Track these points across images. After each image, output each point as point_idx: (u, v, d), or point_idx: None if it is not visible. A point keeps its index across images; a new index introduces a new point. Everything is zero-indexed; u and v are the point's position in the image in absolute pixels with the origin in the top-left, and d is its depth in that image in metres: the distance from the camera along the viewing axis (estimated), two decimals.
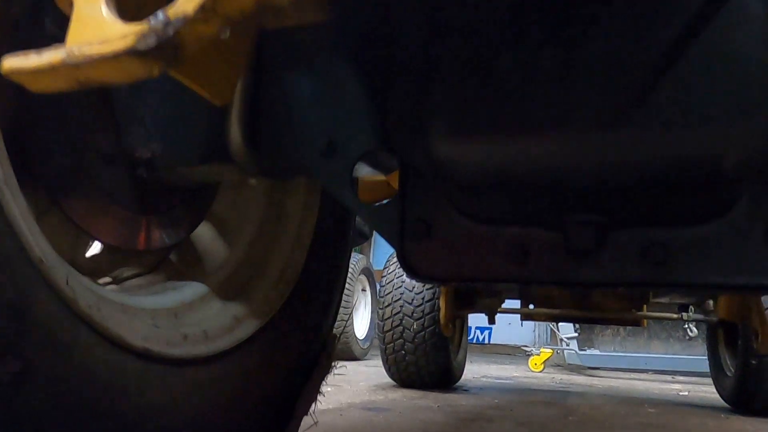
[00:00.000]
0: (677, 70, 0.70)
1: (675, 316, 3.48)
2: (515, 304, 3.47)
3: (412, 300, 3.35)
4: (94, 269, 1.11)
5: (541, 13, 0.76)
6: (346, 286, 4.42)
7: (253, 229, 1.53)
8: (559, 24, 0.74)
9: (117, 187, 1.13)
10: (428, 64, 0.82)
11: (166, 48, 0.44)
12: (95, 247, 1.16)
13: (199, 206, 1.41)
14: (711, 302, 3.31)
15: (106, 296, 0.90)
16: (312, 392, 1.38)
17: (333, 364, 1.46)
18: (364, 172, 1.18)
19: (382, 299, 3.52)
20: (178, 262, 1.31)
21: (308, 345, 1.43)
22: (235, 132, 1.09)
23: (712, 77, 0.69)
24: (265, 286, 1.40)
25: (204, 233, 1.41)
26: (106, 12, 0.52)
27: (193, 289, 1.19)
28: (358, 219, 1.66)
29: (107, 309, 0.84)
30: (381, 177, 1.35)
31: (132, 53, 0.44)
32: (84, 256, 1.14)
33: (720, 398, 3.63)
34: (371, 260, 4.56)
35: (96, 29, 0.49)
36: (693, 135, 0.70)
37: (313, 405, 1.37)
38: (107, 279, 1.14)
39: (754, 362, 3.03)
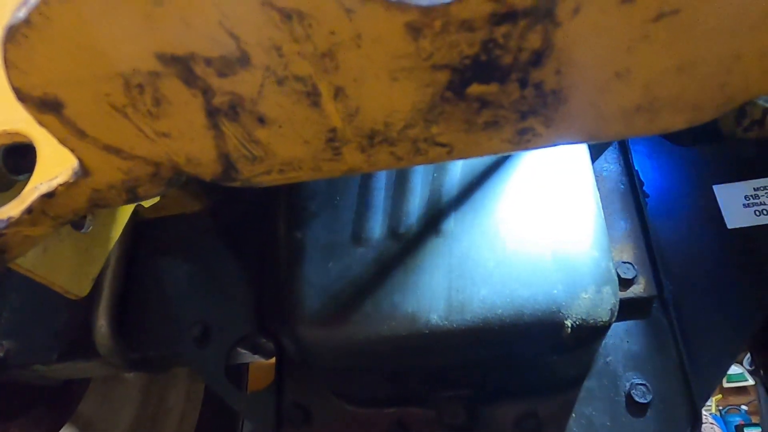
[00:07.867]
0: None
1: None
2: None
3: None
4: None
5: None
6: None
7: (125, 428, 1.39)
8: (396, 226, 0.83)
9: None
10: (291, 252, 0.86)
11: None
12: None
13: (62, 406, 1.28)
14: None
15: None
16: None
17: None
18: (241, 357, 1.14)
19: None
20: None
21: None
22: (101, 323, 1.04)
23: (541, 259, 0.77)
24: None
25: None
26: None
27: None
28: None
29: None
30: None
31: None
32: None
33: None
34: None
35: None
36: (529, 310, 0.75)
37: None
38: None
39: None
